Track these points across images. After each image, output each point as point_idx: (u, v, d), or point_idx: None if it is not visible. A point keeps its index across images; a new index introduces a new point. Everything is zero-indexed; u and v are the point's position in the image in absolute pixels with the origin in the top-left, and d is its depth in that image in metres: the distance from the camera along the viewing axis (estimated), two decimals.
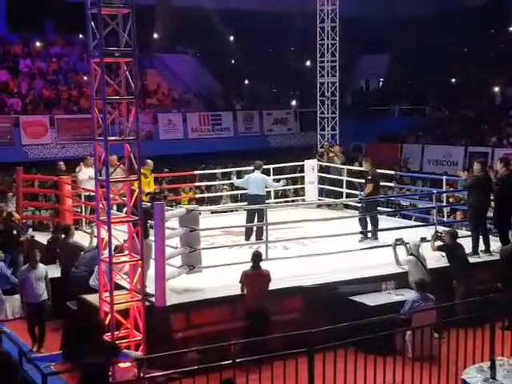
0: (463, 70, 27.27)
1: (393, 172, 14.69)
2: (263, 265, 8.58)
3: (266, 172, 14.72)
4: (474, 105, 25.19)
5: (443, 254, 9.33)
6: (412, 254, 8.95)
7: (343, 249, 9.66)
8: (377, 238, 10.64)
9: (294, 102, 26.74)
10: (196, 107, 25.09)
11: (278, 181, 12.28)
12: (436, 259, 9.44)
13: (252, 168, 11.69)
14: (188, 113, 23.69)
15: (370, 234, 10.67)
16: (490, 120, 23.69)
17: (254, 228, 10.74)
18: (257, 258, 8.17)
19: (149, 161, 12.13)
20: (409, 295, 8.36)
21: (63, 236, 9.83)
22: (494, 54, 27.85)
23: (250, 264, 8.18)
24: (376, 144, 24.82)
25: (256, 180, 11.22)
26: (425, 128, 25.13)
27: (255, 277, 8.05)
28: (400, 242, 9.34)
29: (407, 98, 27.64)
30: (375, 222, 10.82)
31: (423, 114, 26.58)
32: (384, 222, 11.64)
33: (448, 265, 9.20)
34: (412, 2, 28.13)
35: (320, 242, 10.44)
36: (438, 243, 9.47)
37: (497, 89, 25.40)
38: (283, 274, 8.85)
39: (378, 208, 11.75)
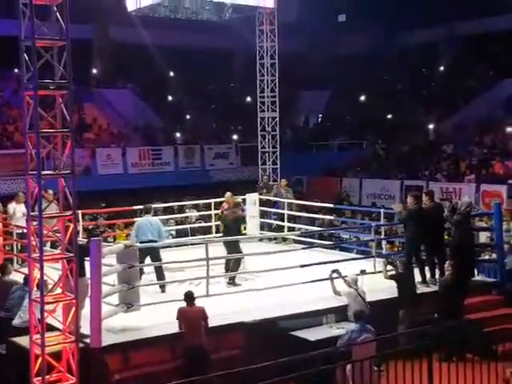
0: (399, 106, 28.18)
1: (331, 205, 14.89)
2: (205, 301, 8.50)
3: (208, 206, 14.73)
4: (409, 140, 25.98)
5: (394, 283, 9.35)
6: (351, 287, 9.01)
7: (285, 283, 9.63)
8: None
9: (235, 137, 26.95)
10: (136, 142, 24.88)
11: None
12: (377, 291, 9.49)
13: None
14: (128, 147, 23.48)
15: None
16: (424, 155, 24.48)
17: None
18: (188, 297, 8.09)
19: (228, 193, 11.89)
20: (349, 328, 8.38)
21: None
22: (427, 93, 28.96)
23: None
24: (317, 178, 25.18)
25: (148, 224, 10.33)
26: (363, 162, 25.71)
27: (190, 313, 7.95)
28: (336, 273, 9.40)
29: (346, 134, 28.28)
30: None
31: (361, 149, 27.23)
32: (324, 255, 11.72)
33: (391, 297, 9.27)
34: (350, 41, 29.03)
35: (262, 277, 10.43)
36: (391, 272, 9.54)
37: (431, 125, 26.35)
38: (224, 310, 8.78)
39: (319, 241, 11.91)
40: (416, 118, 26.78)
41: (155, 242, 10.15)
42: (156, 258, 10.17)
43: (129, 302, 8.28)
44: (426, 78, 29.92)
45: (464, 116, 25.50)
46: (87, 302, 7.64)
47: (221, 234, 11.54)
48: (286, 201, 14.00)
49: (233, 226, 10.93)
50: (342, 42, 28.92)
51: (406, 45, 29.30)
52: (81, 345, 7.09)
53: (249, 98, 27.72)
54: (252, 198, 14.16)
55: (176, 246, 13.50)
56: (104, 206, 16.47)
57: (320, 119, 32.41)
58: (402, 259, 9.93)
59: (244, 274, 10.64)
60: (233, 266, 10.55)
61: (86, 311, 7.60)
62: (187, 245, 13.41)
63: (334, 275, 9.44)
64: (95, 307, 7.45)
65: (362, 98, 30.35)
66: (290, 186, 15.02)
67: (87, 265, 7.84)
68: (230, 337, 8.29)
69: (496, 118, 24.29)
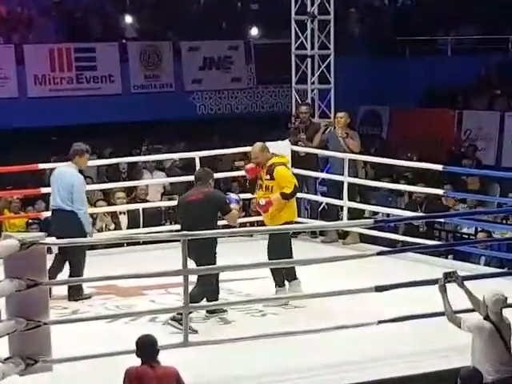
0: None
1: (440, 167, 14.93)
2: (182, 355, 8.67)
3: (189, 165, 14.78)
4: None
5: None
6: (487, 318, 9.06)
7: (340, 319, 9.81)
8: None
9: (252, 31, 27.09)
10: (46, 35, 25.08)
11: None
12: None
13: None
14: (27, 44, 23.93)
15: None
16: None
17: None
18: (145, 348, 8.09)
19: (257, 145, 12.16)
20: None
21: None
22: None
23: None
24: (410, 110, 25.46)
25: (61, 181, 11.46)
26: (507, 78, 25.68)
27: (151, 380, 8.04)
28: (454, 278, 9.44)
29: (471, 22, 28.20)
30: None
31: (504, 51, 27.16)
32: (424, 266, 11.91)
33: None
34: None
35: (304, 307, 10.74)
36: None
37: None
38: (221, 373, 8.95)
39: None
40: None
41: (67, 212, 11.16)
42: (73, 255, 10.89)
43: (30, 355, 8.43)
44: None
45: None
46: None
47: None
48: (348, 156, 14.19)
49: (200, 217, 10.85)
50: None
51: None
52: None
53: None
54: (279, 151, 14.27)
55: (129, 245, 13.88)
56: None
57: None
58: None
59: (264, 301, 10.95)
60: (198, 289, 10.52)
61: None
62: (149, 243, 13.65)
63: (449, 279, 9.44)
64: None
65: None
66: (353, 128, 15.11)
67: None
68: None
69: None
